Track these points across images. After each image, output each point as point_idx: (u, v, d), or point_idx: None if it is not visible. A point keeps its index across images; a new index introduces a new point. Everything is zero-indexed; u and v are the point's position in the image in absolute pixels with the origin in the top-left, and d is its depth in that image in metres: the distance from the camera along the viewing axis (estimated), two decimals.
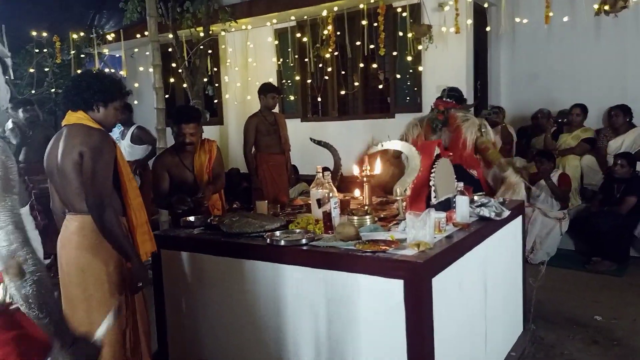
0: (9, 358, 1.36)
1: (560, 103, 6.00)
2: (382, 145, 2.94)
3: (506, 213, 2.69)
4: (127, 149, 5.55)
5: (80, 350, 1.37)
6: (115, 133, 6.10)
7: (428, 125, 3.77)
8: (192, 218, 2.81)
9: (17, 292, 1.27)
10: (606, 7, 4.97)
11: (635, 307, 3.78)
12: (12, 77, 6.39)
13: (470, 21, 5.68)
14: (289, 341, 2.29)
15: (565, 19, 5.50)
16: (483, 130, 3.63)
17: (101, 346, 1.45)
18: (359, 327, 2.09)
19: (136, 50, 7.80)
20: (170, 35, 6.01)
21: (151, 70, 4.94)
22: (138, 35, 7.06)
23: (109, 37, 7.45)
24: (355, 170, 2.95)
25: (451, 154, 3.42)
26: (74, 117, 2.24)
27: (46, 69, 7.56)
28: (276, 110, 5.43)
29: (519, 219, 3.10)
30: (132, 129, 5.58)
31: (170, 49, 6.17)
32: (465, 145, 3.57)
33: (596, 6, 5.07)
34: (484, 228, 2.55)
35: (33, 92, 7.11)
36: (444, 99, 3.85)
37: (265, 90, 5.22)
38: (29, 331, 1.41)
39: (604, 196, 5.09)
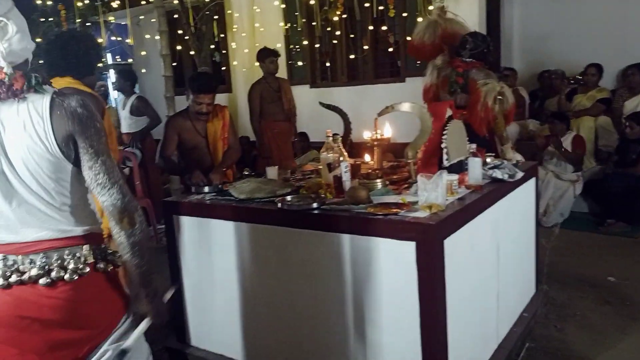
0: (101, 314, 1.41)
1: (576, 63, 5.85)
2: (393, 108, 2.89)
3: (519, 175, 2.66)
4: (127, 120, 5.33)
5: (158, 305, 1.46)
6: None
7: (444, 84, 3.57)
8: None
9: (126, 240, 1.37)
10: None
11: None
12: None
13: None
14: (300, 304, 2.32)
15: None
16: (499, 98, 3.44)
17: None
18: (371, 289, 2.09)
19: (142, 17, 7.69)
20: (176, 1, 5.91)
21: (158, 37, 4.87)
22: (143, 2, 6.95)
23: (114, 5, 7.33)
24: (366, 135, 2.92)
25: (465, 112, 3.33)
26: (64, 82, 2.20)
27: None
28: (284, 76, 5.36)
29: (532, 181, 3.06)
30: (131, 99, 5.35)
31: (176, 15, 6.08)
32: (484, 110, 3.39)
33: None
34: (496, 190, 2.52)
35: (41, 62, 7.07)
36: (465, 59, 3.46)
37: (263, 55, 5.11)
38: (108, 293, 1.44)
39: (619, 158, 5.01)
